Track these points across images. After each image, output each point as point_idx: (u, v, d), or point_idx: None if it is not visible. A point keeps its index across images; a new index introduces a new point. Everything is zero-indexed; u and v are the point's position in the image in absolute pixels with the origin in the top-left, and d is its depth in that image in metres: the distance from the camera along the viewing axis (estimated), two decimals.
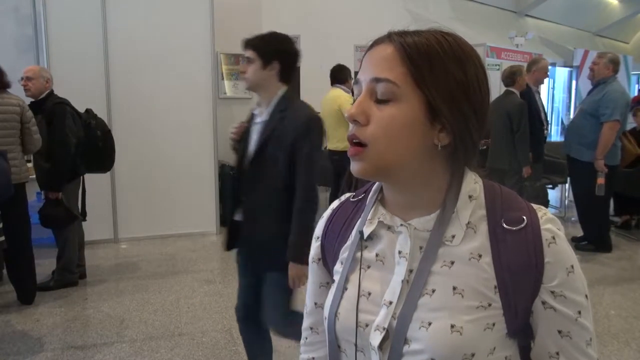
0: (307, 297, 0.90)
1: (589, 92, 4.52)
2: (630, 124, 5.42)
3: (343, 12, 7.96)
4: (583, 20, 11.54)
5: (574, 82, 10.32)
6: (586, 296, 0.71)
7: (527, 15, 10.64)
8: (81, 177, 3.81)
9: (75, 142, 3.50)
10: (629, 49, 12.25)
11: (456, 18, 8.36)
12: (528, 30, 9.62)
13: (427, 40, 0.69)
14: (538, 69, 4.71)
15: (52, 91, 3.64)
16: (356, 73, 0.79)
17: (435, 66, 0.67)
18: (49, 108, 3.50)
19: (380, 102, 0.68)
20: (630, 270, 4.34)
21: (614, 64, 4.33)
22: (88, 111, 3.75)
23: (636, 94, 10.55)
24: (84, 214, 3.84)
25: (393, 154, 0.68)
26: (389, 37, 0.71)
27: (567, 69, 10.87)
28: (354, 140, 0.70)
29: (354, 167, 0.70)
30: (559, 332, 0.70)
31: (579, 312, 0.70)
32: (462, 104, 0.68)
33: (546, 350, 0.71)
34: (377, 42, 0.72)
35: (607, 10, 11.77)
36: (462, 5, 9.35)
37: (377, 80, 0.68)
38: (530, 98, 4.51)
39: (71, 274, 3.73)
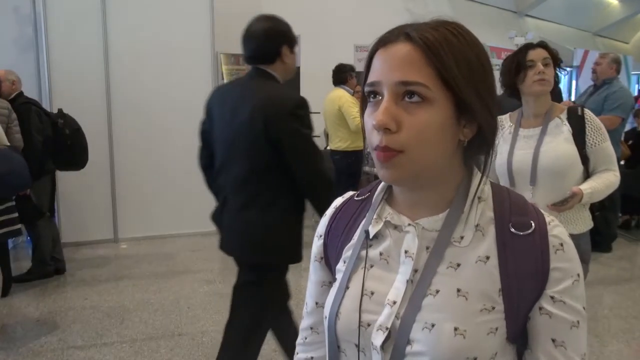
0: (307, 296, 0.88)
1: (591, 93, 4.49)
2: (630, 123, 5.42)
3: (343, 12, 7.95)
4: (583, 20, 11.55)
5: (574, 82, 10.32)
6: (583, 308, 0.69)
7: (527, 15, 10.64)
8: (52, 175, 3.92)
9: (41, 140, 3.61)
10: (629, 49, 12.26)
11: (456, 18, 8.35)
12: (528, 30, 9.62)
13: (444, 34, 0.66)
14: None
15: (21, 92, 3.79)
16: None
17: (459, 60, 0.65)
18: (16, 108, 3.60)
19: (409, 106, 0.65)
20: (630, 270, 4.34)
21: (617, 63, 4.33)
22: (58, 111, 3.86)
23: (636, 94, 10.55)
24: (51, 211, 3.95)
25: (427, 158, 0.66)
26: (407, 35, 0.66)
27: (567, 69, 10.88)
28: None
29: (386, 173, 0.67)
30: (553, 341, 0.68)
31: (578, 322, 0.68)
32: (483, 92, 0.67)
33: None
34: (390, 40, 0.67)
35: (607, 10, 11.77)
36: (462, 5, 9.34)
37: (405, 83, 0.64)
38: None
39: (46, 265, 3.85)
